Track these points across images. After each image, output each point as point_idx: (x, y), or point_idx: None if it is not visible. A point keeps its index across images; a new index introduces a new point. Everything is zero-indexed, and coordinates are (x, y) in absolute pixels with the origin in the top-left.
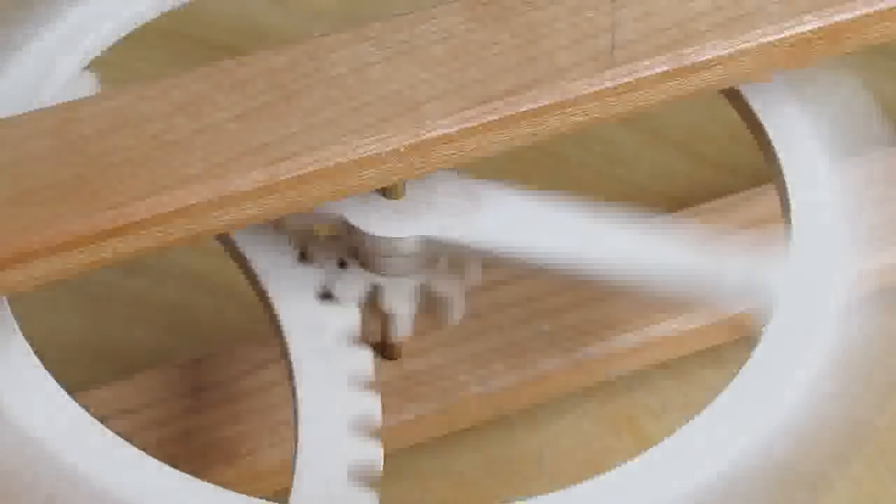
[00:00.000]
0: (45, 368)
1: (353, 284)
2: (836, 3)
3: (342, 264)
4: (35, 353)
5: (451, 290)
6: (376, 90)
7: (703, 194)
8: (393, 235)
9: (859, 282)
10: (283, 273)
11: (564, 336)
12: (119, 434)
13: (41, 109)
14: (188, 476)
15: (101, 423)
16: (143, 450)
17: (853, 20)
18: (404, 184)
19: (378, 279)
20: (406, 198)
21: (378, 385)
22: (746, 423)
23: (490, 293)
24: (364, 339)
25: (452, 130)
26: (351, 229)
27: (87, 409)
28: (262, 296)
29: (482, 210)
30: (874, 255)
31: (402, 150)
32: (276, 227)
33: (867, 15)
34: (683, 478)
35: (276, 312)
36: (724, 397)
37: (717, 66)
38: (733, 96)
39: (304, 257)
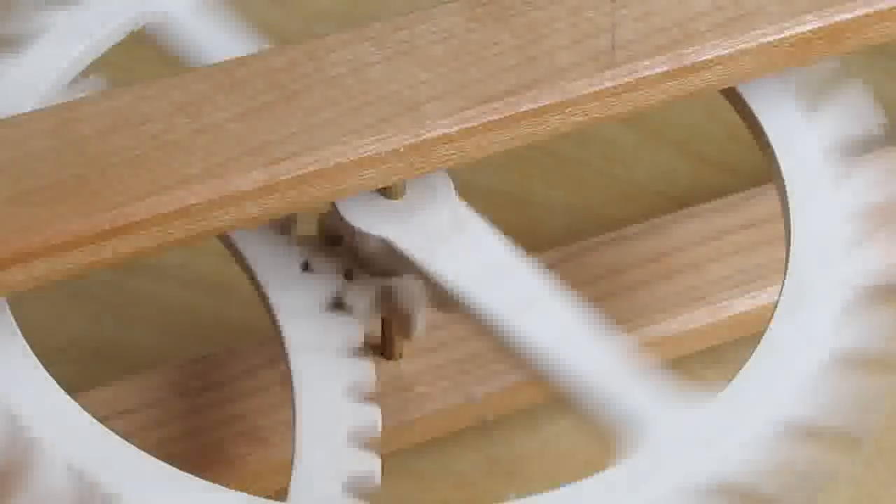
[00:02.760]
0: (45, 368)
1: (364, 291)
2: (836, 3)
3: (348, 275)
4: (35, 353)
5: None
6: (376, 90)
7: (703, 194)
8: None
9: (860, 282)
10: (287, 283)
11: None
12: (119, 434)
13: (41, 109)
14: (189, 475)
15: (101, 423)
16: (143, 450)
17: (853, 20)
18: (404, 184)
19: (387, 282)
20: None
21: (378, 396)
22: (746, 423)
23: None
24: (364, 339)
25: (452, 130)
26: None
27: (87, 409)
28: (267, 305)
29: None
30: (874, 255)
31: (402, 150)
32: (281, 232)
33: (867, 15)
34: (682, 478)
35: (279, 324)
36: (723, 397)
37: (717, 66)
38: (732, 96)
39: (307, 268)
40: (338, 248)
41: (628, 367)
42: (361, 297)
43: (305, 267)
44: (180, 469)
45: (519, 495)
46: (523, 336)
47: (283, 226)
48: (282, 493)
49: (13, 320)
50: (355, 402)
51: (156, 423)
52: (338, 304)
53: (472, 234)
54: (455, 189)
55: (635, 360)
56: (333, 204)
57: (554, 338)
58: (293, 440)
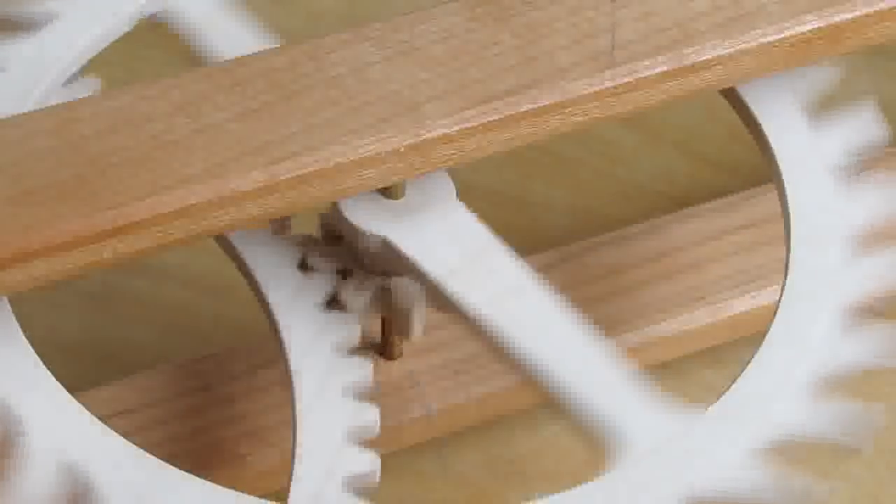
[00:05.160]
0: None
1: (362, 290)
2: (836, 3)
3: (345, 273)
4: (35, 352)
5: None
6: (376, 90)
7: (703, 194)
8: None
9: (859, 282)
10: (285, 282)
11: None
12: (119, 434)
13: (41, 109)
14: (188, 475)
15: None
16: (144, 450)
17: (853, 20)
18: (404, 184)
19: (385, 281)
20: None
21: (378, 395)
22: (746, 425)
23: None
24: (364, 339)
25: (452, 130)
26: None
27: (87, 409)
28: (264, 305)
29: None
30: (874, 256)
31: (402, 150)
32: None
33: (867, 15)
34: (682, 479)
35: (276, 322)
36: (724, 399)
37: (717, 66)
38: (732, 96)
39: (304, 266)
40: (336, 248)
41: (614, 372)
42: (358, 295)
43: (303, 266)
44: (180, 469)
45: (519, 495)
46: (509, 336)
47: (279, 227)
48: (282, 493)
49: (14, 320)
50: (355, 400)
51: (156, 423)
52: (335, 302)
53: (473, 238)
54: (455, 189)
55: (622, 364)
56: (335, 204)
57: (540, 339)
58: (293, 440)
